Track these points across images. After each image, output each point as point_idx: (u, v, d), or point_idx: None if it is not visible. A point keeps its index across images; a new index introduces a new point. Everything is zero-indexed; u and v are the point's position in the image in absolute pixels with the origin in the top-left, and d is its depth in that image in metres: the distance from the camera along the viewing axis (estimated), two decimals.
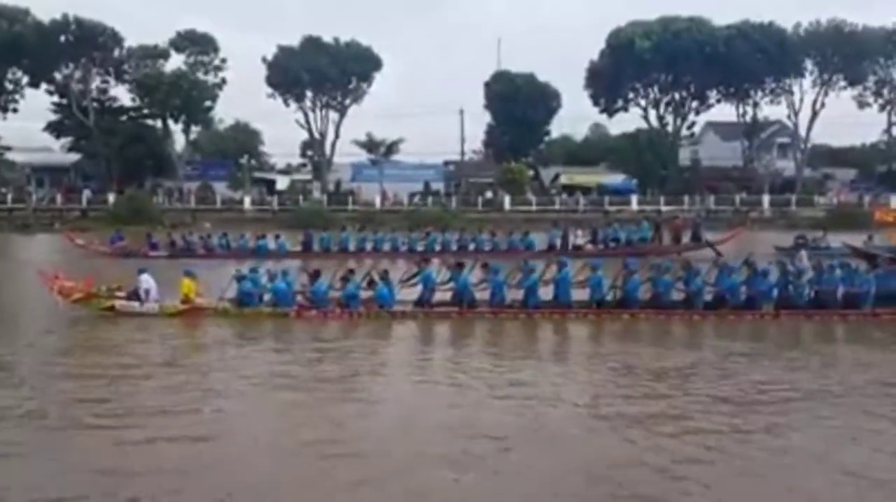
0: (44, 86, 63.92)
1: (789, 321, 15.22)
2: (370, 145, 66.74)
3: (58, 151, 72.02)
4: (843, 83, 63.49)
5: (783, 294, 15.78)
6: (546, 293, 16.12)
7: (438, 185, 67.34)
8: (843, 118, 70.24)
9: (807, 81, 63.75)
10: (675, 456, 7.77)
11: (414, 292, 16.57)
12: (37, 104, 65.48)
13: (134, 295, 16.16)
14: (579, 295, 16.15)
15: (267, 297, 16.09)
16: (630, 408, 9.46)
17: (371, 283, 16.16)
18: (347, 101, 66.40)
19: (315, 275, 16.40)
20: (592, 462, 7.67)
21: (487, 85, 70.89)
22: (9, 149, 66.26)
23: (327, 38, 65.29)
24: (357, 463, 7.66)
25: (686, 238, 31.41)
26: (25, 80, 62.75)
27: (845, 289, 15.74)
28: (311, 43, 64.67)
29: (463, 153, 69.37)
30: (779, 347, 13.18)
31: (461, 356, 12.62)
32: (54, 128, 69.10)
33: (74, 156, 68.88)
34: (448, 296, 16.34)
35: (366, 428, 8.73)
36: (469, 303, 15.90)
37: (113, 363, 11.92)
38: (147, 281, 16.28)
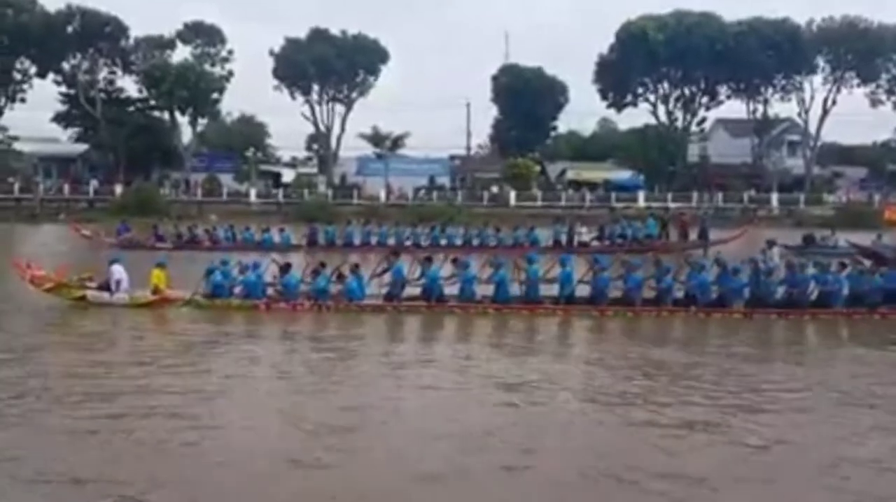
0: (51, 76, 63.99)
1: (759, 320, 15.04)
2: (376, 139, 66.58)
3: (65, 142, 72.07)
4: (855, 81, 62.94)
5: (754, 292, 15.65)
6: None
7: (444, 180, 67.05)
8: (854, 116, 69.72)
9: (818, 78, 63.35)
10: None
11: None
12: (44, 94, 65.60)
13: (105, 285, 16.13)
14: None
15: (238, 289, 16.07)
16: (597, 404, 9.38)
17: (340, 277, 16.06)
18: (354, 95, 66.22)
19: (285, 268, 16.44)
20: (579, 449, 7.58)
21: (495, 78, 70.58)
22: (16, 139, 66.25)
23: (334, 30, 65.20)
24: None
25: (693, 235, 31.24)
26: (33, 70, 62.76)
27: (819, 289, 15.60)
28: (319, 35, 64.51)
29: (469, 147, 69.27)
30: (748, 346, 13.04)
31: (428, 351, 12.54)
32: (62, 119, 69.30)
33: (82, 147, 68.93)
34: (418, 290, 16.22)
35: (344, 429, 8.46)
36: (438, 298, 15.80)
37: (81, 359, 11.66)
38: (118, 271, 16.23)
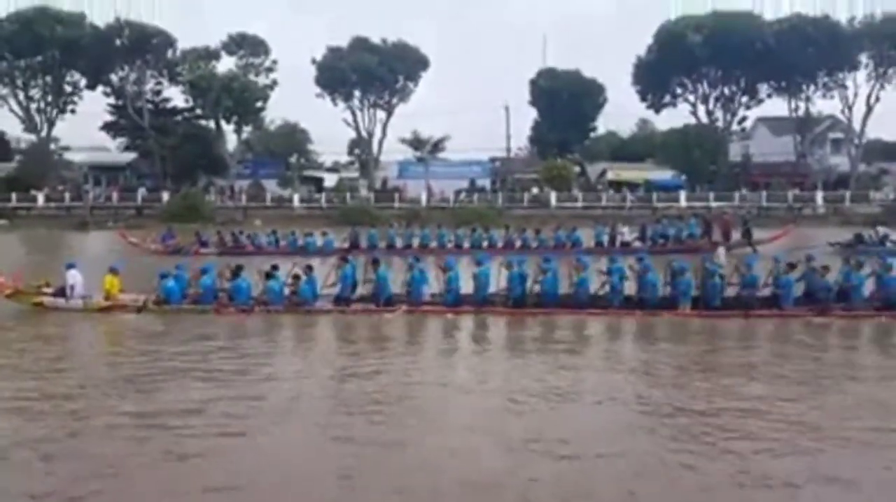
0: (100, 87, 65.71)
1: (705, 320, 14.95)
2: (416, 143, 67.20)
3: (114, 151, 74.07)
4: None
5: (703, 292, 15.61)
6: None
7: (484, 182, 67.44)
8: None
9: (861, 75, 62.13)
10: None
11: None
12: (94, 105, 67.39)
13: (60, 291, 16.43)
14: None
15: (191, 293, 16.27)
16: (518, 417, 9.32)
17: (296, 279, 16.17)
18: (395, 101, 66.92)
19: (235, 272, 16.51)
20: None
21: (533, 81, 70.66)
22: (67, 148, 68.52)
23: (375, 38, 65.97)
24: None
25: (736, 235, 31.08)
26: (83, 82, 64.49)
27: (772, 289, 15.59)
28: (360, 44, 65.26)
29: (508, 150, 69.33)
30: (692, 345, 13.18)
31: (373, 353, 12.62)
32: (110, 129, 71.19)
33: (130, 156, 70.73)
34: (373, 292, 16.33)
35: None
36: (386, 301, 15.87)
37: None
38: (74, 276, 16.50)
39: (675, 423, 8.69)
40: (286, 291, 16.11)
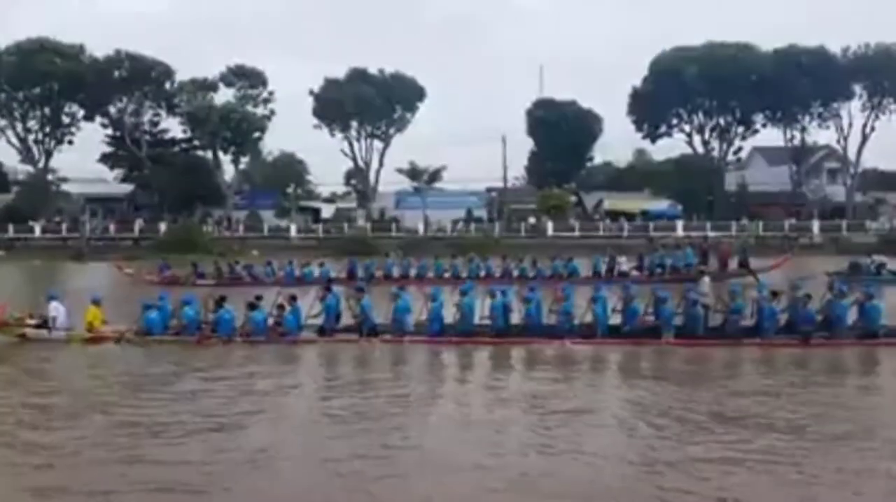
0: (98, 119, 66.02)
1: (687, 349, 14.83)
2: (413, 173, 67.29)
3: (112, 182, 74.14)
4: (893, 107, 62.21)
5: (686, 321, 15.53)
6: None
7: (481, 212, 67.52)
8: (894, 141, 68.84)
9: (855, 105, 62.76)
10: None
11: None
12: (91, 136, 67.60)
13: (43, 323, 16.39)
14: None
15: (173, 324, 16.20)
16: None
17: (280, 309, 16.07)
18: (392, 131, 67.31)
19: (219, 303, 16.39)
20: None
21: (529, 112, 71.04)
22: (65, 180, 68.50)
23: (372, 69, 66.41)
24: None
25: (733, 264, 31.00)
26: (81, 113, 64.77)
27: (756, 318, 15.46)
28: (357, 75, 65.81)
29: (505, 180, 69.54)
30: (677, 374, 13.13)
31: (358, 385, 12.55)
32: (108, 160, 71.32)
33: (127, 187, 70.85)
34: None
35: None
36: (370, 331, 15.77)
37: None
38: (56, 308, 16.47)
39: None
40: (270, 321, 16.01)
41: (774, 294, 15.84)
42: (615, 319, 15.95)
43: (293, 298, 16.52)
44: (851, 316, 15.54)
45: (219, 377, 12.98)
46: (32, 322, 16.58)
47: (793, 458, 8.49)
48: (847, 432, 9.55)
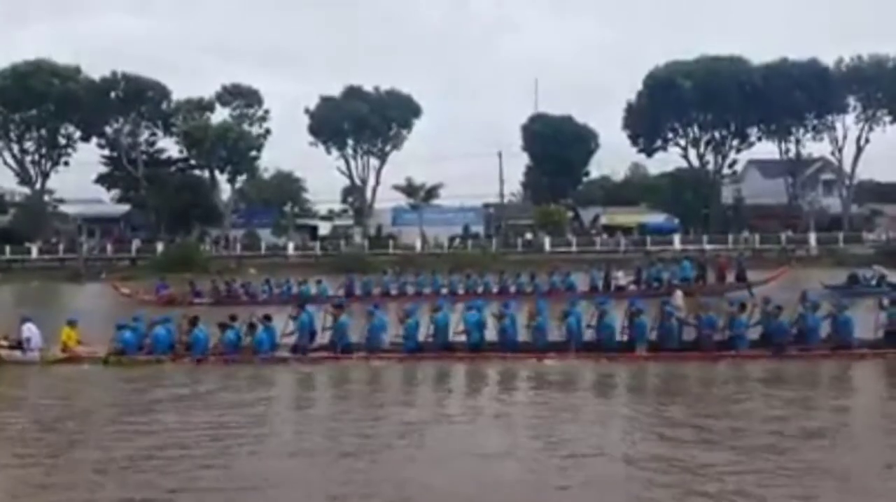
0: (94, 139, 66.09)
1: (661, 363, 14.86)
2: (410, 190, 67.50)
3: (108, 202, 74.19)
4: (887, 118, 62.43)
5: (660, 335, 15.55)
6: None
7: (478, 228, 67.57)
8: (889, 153, 68.87)
9: (850, 117, 62.84)
10: None
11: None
12: (88, 157, 67.61)
13: (17, 344, 16.38)
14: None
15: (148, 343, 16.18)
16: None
17: (251, 328, 16.03)
18: (388, 148, 67.32)
19: (193, 322, 16.40)
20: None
21: (525, 127, 71.26)
22: (62, 201, 68.62)
23: (368, 87, 66.56)
24: None
25: (730, 277, 31.03)
26: (77, 134, 64.79)
27: (731, 331, 15.45)
28: (353, 93, 65.92)
29: (502, 195, 69.72)
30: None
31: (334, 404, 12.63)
32: (105, 180, 71.35)
33: (124, 207, 70.80)
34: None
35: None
36: (344, 348, 15.73)
37: None
38: (30, 329, 16.49)
39: None
40: (245, 341, 15.99)
41: (742, 307, 15.91)
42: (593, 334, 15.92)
43: (268, 317, 16.48)
44: (825, 328, 15.57)
45: (189, 398, 12.93)
46: (6, 343, 16.57)
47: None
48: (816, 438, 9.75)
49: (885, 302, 15.94)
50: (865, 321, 16.08)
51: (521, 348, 15.54)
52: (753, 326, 15.79)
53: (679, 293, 20.95)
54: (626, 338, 15.66)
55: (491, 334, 15.89)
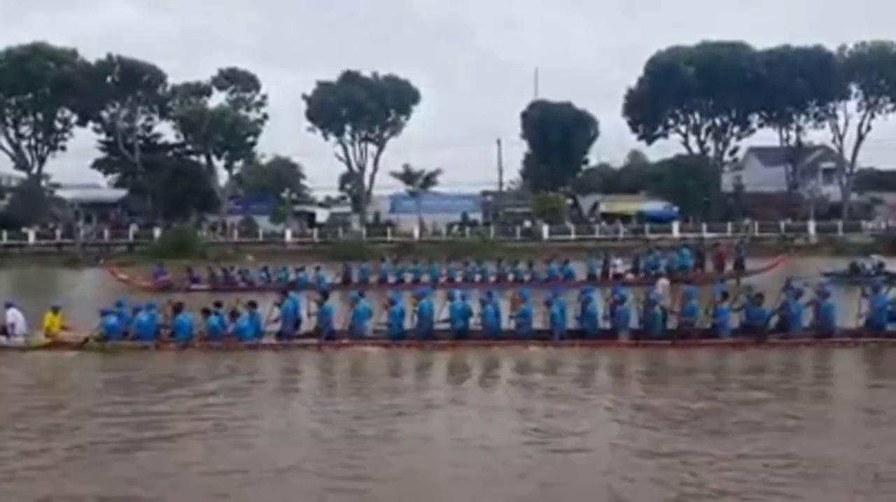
0: (91, 124, 65.77)
1: (643, 351, 14.79)
2: (408, 177, 67.27)
3: (105, 188, 73.98)
4: (889, 106, 62.09)
5: (644, 323, 15.54)
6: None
7: (476, 215, 67.39)
8: (890, 141, 68.67)
9: (851, 105, 62.50)
10: None
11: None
12: (84, 142, 67.38)
13: (2, 330, 16.41)
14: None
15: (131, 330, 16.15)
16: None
17: (234, 315, 15.99)
18: (386, 134, 66.93)
19: (177, 309, 16.34)
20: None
21: (524, 114, 70.89)
22: (58, 186, 68.37)
23: (366, 72, 66.10)
24: None
25: (729, 265, 30.89)
26: (74, 118, 64.49)
27: (714, 320, 15.41)
28: (350, 78, 65.45)
29: (501, 183, 69.46)
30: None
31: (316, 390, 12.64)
32: (101, 165, 71.07)
33: (121, 192, 70.58)
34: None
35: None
36: (328, 335, 15.72)
37: None
38: (14, 315, 16.51)
39: None
40: (229, 327, 15.93)
41: (725, 295, 15.88)
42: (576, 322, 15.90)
43: (252, 304, 16.42)
44: (808, 315, 15.55)
45: (172, 386, 12.79)
46: None
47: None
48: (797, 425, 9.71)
49: (868, 290, 15.87)
50: (852, 310, 15.98)
51: (506, 335, 15.52)
52: (736, 311, 15.76)
53: (664, 281, 20.84)
54: (609, 326, 15.71)
55: (476, 322, 15.87)
